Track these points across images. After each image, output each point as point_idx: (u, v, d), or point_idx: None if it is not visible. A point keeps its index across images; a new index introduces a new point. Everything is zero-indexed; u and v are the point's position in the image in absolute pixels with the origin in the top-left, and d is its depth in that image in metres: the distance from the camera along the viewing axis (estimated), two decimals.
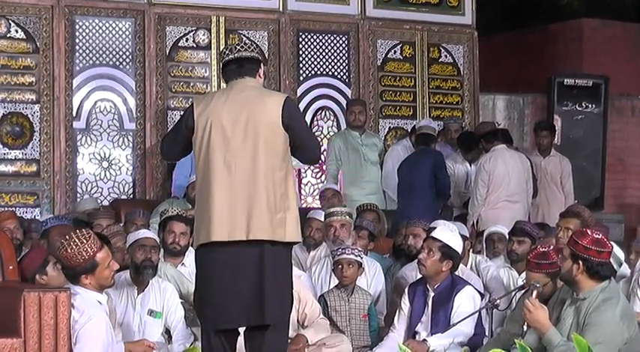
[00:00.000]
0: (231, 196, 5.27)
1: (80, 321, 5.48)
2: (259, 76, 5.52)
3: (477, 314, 6.58)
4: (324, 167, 10.43)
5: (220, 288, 5.29)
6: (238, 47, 5.49)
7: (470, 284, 6.77)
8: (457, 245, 6.71)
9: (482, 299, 6.81)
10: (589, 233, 5.61)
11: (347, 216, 7.77)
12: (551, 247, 6.24)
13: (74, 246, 5.53)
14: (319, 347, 6.53)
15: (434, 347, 6.42)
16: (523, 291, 6.29)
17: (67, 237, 5.60)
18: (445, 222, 7.53)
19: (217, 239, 5.26)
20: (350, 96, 10.88)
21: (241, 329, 5.45)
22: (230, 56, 5.47)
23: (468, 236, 7.96)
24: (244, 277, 5.27)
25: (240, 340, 5.49)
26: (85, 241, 5.55)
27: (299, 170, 10.28)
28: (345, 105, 10.75)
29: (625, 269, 7.18)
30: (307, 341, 6.51)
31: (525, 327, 5.60)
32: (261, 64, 5.55)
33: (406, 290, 6.84)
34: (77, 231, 5.68)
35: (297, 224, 5.43)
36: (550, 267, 6.06)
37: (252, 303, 5.27)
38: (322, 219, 8.02)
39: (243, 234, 5.25)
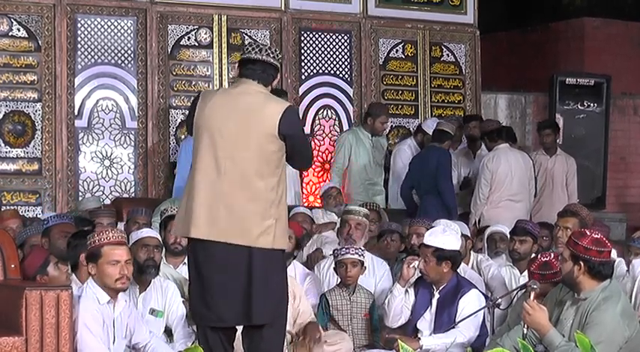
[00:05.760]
0: (215, 197, 5.31)
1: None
2: (271, 84, 5.52)
3: (481, 315, 6.57)
4: (331, 162, 10.44)
5: (210, 286, 5.34)
6: (269, 51, 5.48)
7: (475, 287, 6.74)
8: (451, 243, 6.66)
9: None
10: (588, 233, 5.61)
11: (364, 217, 7.81)
12: (552, 256, 6.16)
13: (97, 232, 5.77)
14: (321, 345, 6.53)
15: (428, 347, 6.43)
16: (524, 291, 6.26)
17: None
18: (447, 221, 7.51)
19: (194, 236, 5.33)
20: (352, 95, 10.88)
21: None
22: (258, 56, 5.45)
23: (469, 235, 7.94)
24: (233, 277, 5.31)
25: (238, 335, 5.52)
26: (103, 232, 5.72)
27: None
28: (346, 104, 10.77)
29: (623, 267, 7.16)
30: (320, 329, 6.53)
31: (525, 329, 5.59)
32: (278, 75, 5.56)
33: (412, 280, 6.82)
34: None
35: (285, 232, 5.48)
36: (554, 276, 6.00)
37: (241, 304, 5.31)
38: (306, 212, 8.55)
39: (221, 236, 5.28)
